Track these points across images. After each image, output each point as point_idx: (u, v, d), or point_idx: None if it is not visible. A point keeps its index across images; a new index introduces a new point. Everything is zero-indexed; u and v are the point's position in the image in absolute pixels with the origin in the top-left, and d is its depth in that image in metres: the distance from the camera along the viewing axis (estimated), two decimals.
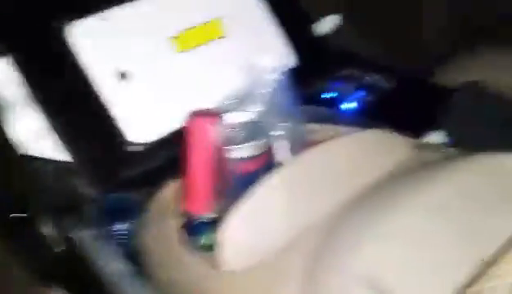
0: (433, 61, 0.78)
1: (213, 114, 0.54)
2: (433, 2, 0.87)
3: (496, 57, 0.74)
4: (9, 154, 0.64)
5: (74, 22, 0.63)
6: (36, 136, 0.65)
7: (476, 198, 0.50)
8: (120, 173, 0.63)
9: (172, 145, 0.63)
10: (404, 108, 0.71)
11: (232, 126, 0.58)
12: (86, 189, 0.64)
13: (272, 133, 0.59)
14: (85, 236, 0.62)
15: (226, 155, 0.55)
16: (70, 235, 0.62)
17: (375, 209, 0.51)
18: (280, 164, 0.60)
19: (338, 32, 0.79)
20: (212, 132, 0.52)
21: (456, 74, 0.74)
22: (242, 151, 0.56)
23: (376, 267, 0.46)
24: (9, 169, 0.65)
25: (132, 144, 0.63)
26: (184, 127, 0.59)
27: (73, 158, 0.63)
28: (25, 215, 0.64)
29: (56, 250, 0.62)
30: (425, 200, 0.50)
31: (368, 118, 0.70)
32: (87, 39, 0.63)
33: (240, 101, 0.62)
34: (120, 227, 0.61)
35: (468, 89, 0.69)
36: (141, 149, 0.63)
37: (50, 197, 0.64)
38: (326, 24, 0.78)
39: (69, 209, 0.63)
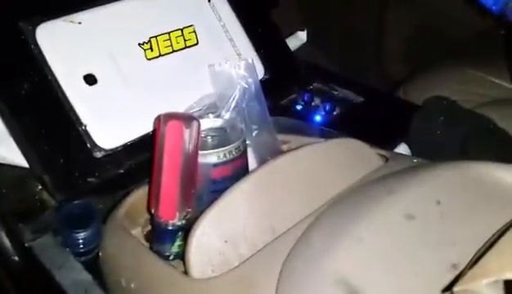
0: (398, 77, 0.80)
1: (185, 117, 0.52)
2: (396, 19, 0.89)
3: (458, 72, 0.76)
4: None
5: (41, 23, 0.62)
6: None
7: (448, 205, 0.50)
8: (84, 180, 0.61)
9: (139, 151, 0.62)
10: (372, 121, 0.73)
11: (204, 131, 0.57)
12: (46, 195, 0.62)
13: (243, 140, 0.58)
14: (43, 245, 0.59)
15: (197, 160, 0.54)
16: (27, 244, 0.59)
17: (348, 214, 0.51)
18: (250, 170, 0.60)
19: (305, 47, 0.80)
20: (184, 135, 0.51)
21: (419, 89, 0.76)
22: (213, 156, 0.55)
23: (350, 269, 0.45)
24: None
25: (97, 149, 0.61)
26: (153, 132, 0.57)
27: (34, 162, 0.60)
28: None
29: (11, 259, 0.59)
30: (397, 206, 0.50)
31: (336, 129, 0.71)
32: (54, 41, 0.62)
33: (211, 107, 0.61)
34: (81, 235, 0.58)
35: (430, 103, 0.71)
36: (106, 154, 0.61)
37: (6, 203, 0.62)
38: (295, 40, 0.79)
39: (26, 216, 0.61)
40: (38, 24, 0.61)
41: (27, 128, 0.60)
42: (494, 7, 0.70)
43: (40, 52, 0.61)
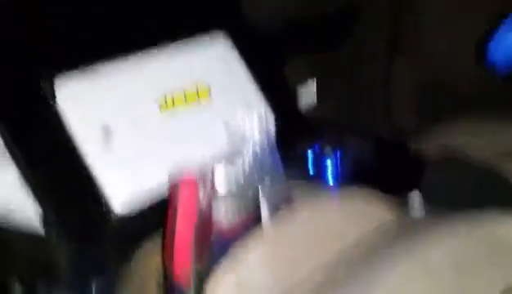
0: (407, 127, 0.81)
1: (198, 175, 0.53)
2: (405, 71, 0.91)
3: (471, 123, 0.77)
4: None
5: (60, 77, 0.62)
6: (9, 197, 0.63)
7: (463, 259, 0.50)
8: (98, 239, 0.61)
9: (155, 211, 0.62)
10: (383, 171, 0.73)
11: (216, 187, 0.58)
12: (60, 252, 0.62)
13: (257, 194, 0.59)
14: None
15: (210, 216, 0.54)
16: None
17: (364, 269, 0.51)
18: (263, 223, 0.60)
19: (314, 98, 0.81)
20: (197, 192, 0.52)
21: (431, 141, 0.76)
22: (229, 213, 0.55)
23: None
24: None
25: (113, 210, 0.61)
26: (168, 189, 0.58)
27: (48, 219, 0.60)
28: None
29: None
30: (415, 264, 0.50)
31: (348, 180, 0.71)
32: (72, 96, 0.62)
33: (224, 162, 0.62)
34: (96, 290, 0.58)
35: (443, 156, 0.71)
36: (121, 217, 0.61)
37: (21, 261, 0.62)
38: (304, 90, 0.81)
39: (41, 273, 0.61)
40: (57, 78, 0.62)
41: (43, 185, 0.60)
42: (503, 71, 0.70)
43: (57, 107, 0.61)
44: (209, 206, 0.53)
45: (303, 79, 0.81)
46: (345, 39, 0.88)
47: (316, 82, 0.81)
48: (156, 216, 0.59)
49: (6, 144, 0.61)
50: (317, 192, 0.68)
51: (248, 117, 0.64)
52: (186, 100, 0.69)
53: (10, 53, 0.62)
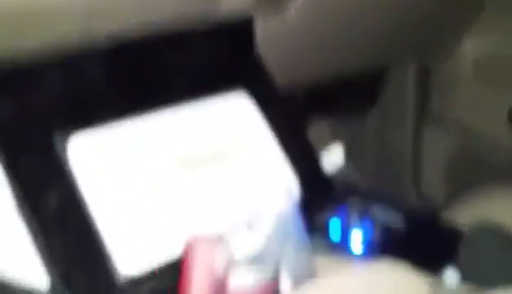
0: (437, 196, 0.77)
1: (215, 239, 0.50)
2: (433, 140, 0.88)
3: (505, 194, 0.73)
4: None
5: (74, 134, 0.60)
6: (13, 260, 0.60)
7: None
8: None
9: (163, 278, 0.58)
10: (414, 245, 0.68)
11: (236, 253, 0.54)
12: None
13: (279, 262, 0.55)
14: None
15: (229, 283, 0.50)
16: None
17: None
18: None
19: (342, 165, 0.78)
20: (215, 257, 0.48)
21: (465, 212, 0.72)
22: (246, 279, 0.51)
23: None
24: None
25: (121, 275, 0.57)
26: (183, 251, 0.54)
27: (54, 282, 0.57)
28: None
29: None
30: None
31: (376, 252, 0.67)
32: (84, 154, 0.60)
33: (245, 228, 0.59)
34: None
35: (479, 228, 0.67)
36: (128, 281, 0.58)
37: None
38: (330, 155, 0.78)
39: None
40: (71, 135, 0.60)
41: (51, 245, 0.57)
42: None
43: (69, 166, 0.59)
44: (226, 272, 0.49)
45: (328, 144, 0.79)
46: (374, 103, 0.86)
47: (343, 147, 0.78)
48: (168, 279, 0.55)
49: (18, 206, 0.59)
50: (342, 264, 0.64)
51: (270, 180, 0.62)
52: (205, 162, 0.66)
53: (26, 108, 0.61)
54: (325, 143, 0.79)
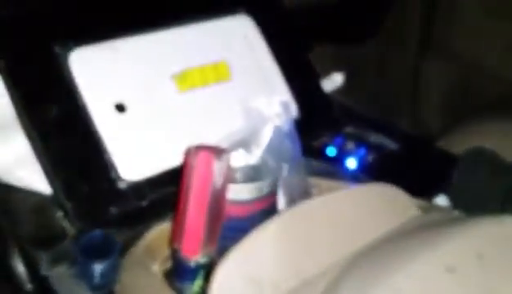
0: (434, 125, 0.78)
1: (216, 150, 0.50)
2: (434, 69, 0.88)
3: (500, 125, 0.74)
4: None
5: (75, 49, 0.61)
6: (18, 163, 0.61)
7: (489, 259, 0.48)
8: (106, 210, 0.59)
9: (163, 185, 0.60)
10: (408, 169, 0.70)
11: (234, 166, 0.55)
12: (66, 223, 0.60)
13: (275, 178, 0.56)
14: (59, 274, 0.56)
15: (226, 194, 0.52)
16: (43, 273, 0.57)
17: (384, 264, 0.48)
18: (279, 211, 0.57)
19: (341, 90, 0.78)
20: (214, 167, 0.49)
21: (459, 140, 0.73)
22: (243, 192, 0.53)
23: None
24: None
25: (120, 180, 0.59)
26: (179, 166, 0.56)
27: (56, 188, 0.59)
28: None
29: (26, 288, 0.57)
30: (438, 258, 0.47)
31: (370, 176, 0.68)
32: (87, 67, 0.61)
33: (242, 143, 0.59)
34: (99, 267, 0.55)
35: (472, 155, 0.68)
36: (129, 185, 0.59)
37: (24, 230, 0.60)
38: (330, 82, 0.78)
39: (44, 244, 0.58)
40: (72, 49, 0.61)
41: (53, 153, 0.58)
42: None
43: (72, 77, 0.60)
44: (224, 186, 0.50)
45: (329, 69, 0.78)
46: (376, 31, 0.85)
47: (343, 74, 0.78)
48: (169, 186, 0.57)
49: (18, 112, 0.59)
50: (336, 186, 0.65)
51: (269, 100, 0.62)
52: (204, 78, 0.67)
53: (28, 19, 0.61)
54: (327, 69, 0.79)
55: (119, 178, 0.59)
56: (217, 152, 0.49)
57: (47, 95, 0.60)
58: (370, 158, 0.72)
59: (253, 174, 0.56)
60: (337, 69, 0.78)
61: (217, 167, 0.48)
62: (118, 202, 0.59)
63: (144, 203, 0.60)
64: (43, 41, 0.61)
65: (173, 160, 0.60)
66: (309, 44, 0.80)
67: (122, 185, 0.59)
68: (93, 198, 0.58)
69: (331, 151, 0.72)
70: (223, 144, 0.58)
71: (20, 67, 0.60)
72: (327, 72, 0.78)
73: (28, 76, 0.60)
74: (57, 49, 0.60)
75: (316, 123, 0.73)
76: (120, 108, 0.61)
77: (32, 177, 0.61)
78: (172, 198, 0.53)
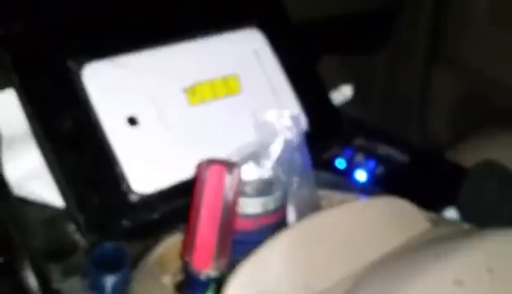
0: (443, 138, 0.78)
1: (227, 163, 0.51)
2: (442, 82, 0.88)
3: (506, 137, 0.74)
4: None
5: (89, 63, 0.62)
6: (30, 176, 0.62)
7: (499, 272, 0.48)
8: (117, 222, 0.59)
9: (175, 198, 0.61)
10: (417, 182, 0.70)
11: (244, 180, 0.55)
12: (78, 236, 0.60)
13: (285, 192, 0.56)
14: (71, 287, 0.57)
15: (236, 208, 0.52)
16: (55, 285, 0.57)
17: (394, 278, 0.48)
18: (289, 225, 0.57)
19: (349, 102, 0.79)
20: (225, 181, 0.49)
21: (469, 153, 0.73)
22: (253, 206, 0.53)
23: None
24: None
25: (134, 193, 0.60)
26: (190, 179, 0.56)
27: (68, 201, 0.59)
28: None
29: None
30: (447, 272, 0.47)
31: (380, 189, 0.68)
32: (100, 81, 0.62)
33: (252, 156, 0.60)
34: (110, 279, 0.56)
35: (482, 168, 0.68)
36: (141, 198, 0.60)
37: (37, 242, 0.60)
38: (339, 94, 0.78)
39: (56, 257, 0.59)
40: (85, 64, 0.62)
41: (66, 166, 0.59)
42: None
43: (85, 91, 0.61)
44: (235, 200, 0.51)
45: (337, 81, 0.79)
46: (384, 43, 0.85)
47: (352, 86, 0.78)
48: (177, 201, 0.57)
49: (32, 126, 0.60)
50: (345, 199, 0.66)
51: (279, 114, 0.62)
52: (215, 92, 0.67)
53: (41, 35, 0.62)
54: (336, 81, 0.79)
55: (130, 191, 0.60)
56: (229, 165, 0.49)
57: (60, 109, 0.60)
58: (380, 170, 0.72)
59: (263, 187, 0.56)
60: (346, 81, 0.79)
61: (229, 181, 0.49)
62: (129, 215, 0.60)
63: (155, 216, 0.61)
64: (57, 56, 0.61)
65: (184, 173, 0.61)
66: (318, 57, 0.80)
67: (134, 198, 0.60)
68: (105, 210, 0.59)
69: (341, 163, 0.72)
70: (234, 158, 0.59)
71: (34, 82, 0.60)
72: (336, 84, 0.79)
73: (41, 90, 0.60)
74: (70, 64, 0.61)
75: (325, 136, 0.73)
76: (132, 121, 0.62)
77: (44, 190, 0.62)
78: (184, 210, 0.53)
